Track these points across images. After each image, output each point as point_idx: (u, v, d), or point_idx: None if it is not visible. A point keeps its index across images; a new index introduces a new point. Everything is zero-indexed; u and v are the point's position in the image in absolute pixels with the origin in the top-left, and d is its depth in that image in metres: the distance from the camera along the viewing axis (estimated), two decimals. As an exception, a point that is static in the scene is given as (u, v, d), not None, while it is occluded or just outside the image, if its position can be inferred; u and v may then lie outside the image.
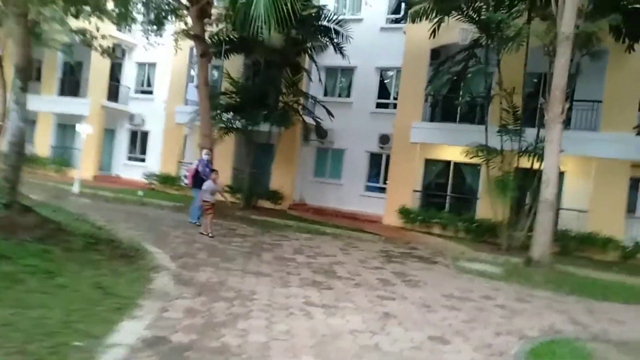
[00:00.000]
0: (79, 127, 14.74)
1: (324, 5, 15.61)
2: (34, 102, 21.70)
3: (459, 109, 15.85)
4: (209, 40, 14.37)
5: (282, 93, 15.45)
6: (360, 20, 17.67)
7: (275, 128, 15.39)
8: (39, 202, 9.39)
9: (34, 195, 11.62)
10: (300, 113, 15.70)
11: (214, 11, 14.59)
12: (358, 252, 9.30)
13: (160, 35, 16.51)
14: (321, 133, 16.40)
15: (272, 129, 15.39)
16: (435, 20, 12.67)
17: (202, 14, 12.33)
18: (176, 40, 16.57)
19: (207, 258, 6.83)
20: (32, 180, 16.39)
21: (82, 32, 18.39)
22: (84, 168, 20.35)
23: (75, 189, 13.98)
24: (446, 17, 12.56)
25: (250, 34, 12.75)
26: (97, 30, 18.47)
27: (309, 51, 15.86)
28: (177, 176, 18.42)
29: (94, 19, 17.30)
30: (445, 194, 15.86)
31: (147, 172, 18.99)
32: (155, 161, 20.15)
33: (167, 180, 18.29)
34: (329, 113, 15.85)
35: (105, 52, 19.01)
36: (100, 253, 5.39)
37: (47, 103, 21.52)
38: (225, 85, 16.34)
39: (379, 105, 17.58)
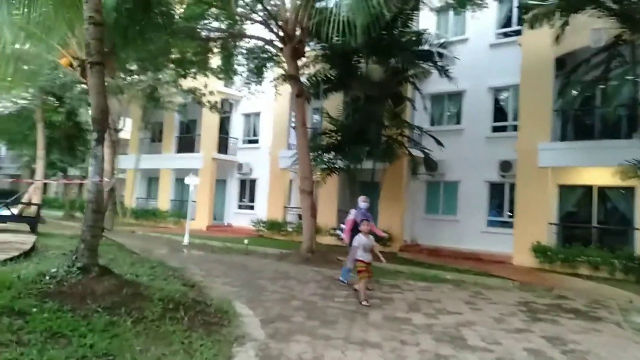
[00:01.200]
0: (187, 179, 15.14)
1: (424, 30, 14.47)
2: (156, 161, 23.69)
3: (596, 123, 13.30)
4: (307, 82, 14.08)
5: (385, 126, 14.38)
6: (465, 40, 16.19)
7: (380, 164, 14.29)
8: (144, 258, 9.28)
9: (157, 249, 11.89)
10: (406, 146, 14.41)
11: (309, 53, 14.37)
12: (490, 305, 7.51)
13: (260, 83, 16.79)
14: (431, 165, 14.85)
15: (375, 165, 14.31)
16: (560, 22, 10.75)
17: (296, 54, 11.99)
18: (275, 87, 16.69)
19: (303, 321, 5.75)
20: (151, 234, 17.27)
21: (193, 91, 19.62)
22: (199, 218, 21.16)
23: (185, 240, 14.15)
24: (572, 17, 10.61)
25: (344, 60, 12.22)
26: (205, 87, 19.60)
27: (411, 79, 14.73)
28: (283, 221, 18.09)
29: (202, 78, 18.49)
30: (590, 226, 13.14)
31: (255, 219, 18.99)
32: (263, 208, 20.20)
33: (273, 226, 18.04)
34: (438, 143, 14.34)
35: (213, 107, 19.99)
36: (178, 322, 4.61)
37: (167, 160, 23.21)
38: (325, 125, 15.83)
39: (495, 129, 15.59)
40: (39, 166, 21.71)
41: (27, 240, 7.80)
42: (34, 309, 3.95)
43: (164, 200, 23.15)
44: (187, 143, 23.59)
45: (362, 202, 8.74)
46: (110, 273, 5.15)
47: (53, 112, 21.64)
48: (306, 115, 12.16)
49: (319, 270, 10.11)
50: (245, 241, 13.80)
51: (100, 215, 5.09)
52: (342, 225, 8.94)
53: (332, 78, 14.42)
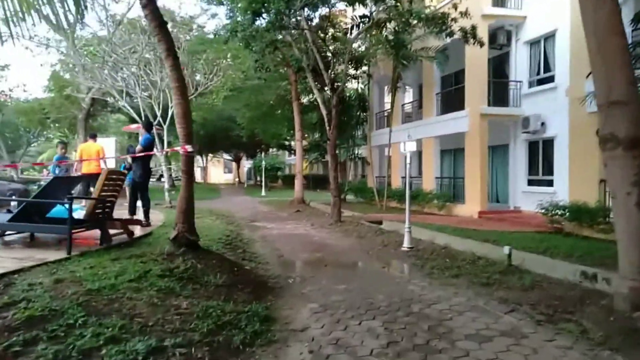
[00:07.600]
0: (402, 146, 9.79)
1: None
2: (417, 130, 18.70)
3: None
4: None
5: None
6: None
7: None
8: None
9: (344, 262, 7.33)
10: None
11: None
12: None
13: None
14: None
15: None
16: None
17: None
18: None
19: None
20: (384, 228, 12.40)
21: (440, 18, 13.87)
22: (469, 201, 15.35)
23: (406, 243, 8.86)
24: None
25: None
26: (455, 8, 13.58)
27: None
28: (597, 206, 10.23)
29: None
30: None
31: (548, 201, 11.71)
32: (566, 182, 12.61)
33: (580, 214, 10.42)
34: None
35: (469, 35, 13.70)
36: None
37: (427, 127, 18.07)
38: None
39: None
40: (298, 148, 20.65)
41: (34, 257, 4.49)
42: None
43: (428, 178, 18.24)
44: (450, 100, 17.75)
45: None
46: None
47: (303, 89, 20.08)
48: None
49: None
50: (506, 249, 7.50)
51: None
52: None
53: None
